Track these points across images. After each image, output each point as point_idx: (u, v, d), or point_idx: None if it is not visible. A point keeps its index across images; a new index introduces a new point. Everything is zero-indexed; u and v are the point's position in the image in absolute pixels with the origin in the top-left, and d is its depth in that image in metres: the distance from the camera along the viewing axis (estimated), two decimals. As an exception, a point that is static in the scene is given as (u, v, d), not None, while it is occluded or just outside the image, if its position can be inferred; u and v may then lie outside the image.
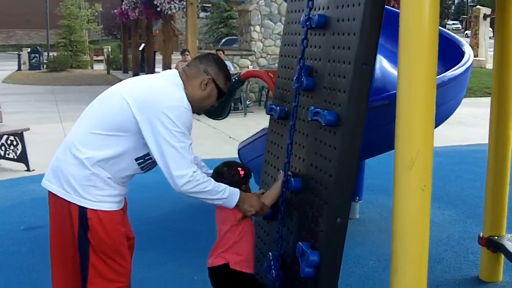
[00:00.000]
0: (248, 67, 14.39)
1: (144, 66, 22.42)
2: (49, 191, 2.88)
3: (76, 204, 2.78)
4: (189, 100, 2.83)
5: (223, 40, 30.07)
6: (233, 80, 4.67)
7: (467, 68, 4.61)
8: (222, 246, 3.04)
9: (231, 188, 2.92)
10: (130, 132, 2.76)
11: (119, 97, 2.79)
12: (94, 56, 33.42)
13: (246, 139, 5.65)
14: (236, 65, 14.34)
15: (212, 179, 2.86)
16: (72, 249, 2.86)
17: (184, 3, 15.05)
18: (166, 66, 17.03)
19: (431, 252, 2.75)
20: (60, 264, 2.95)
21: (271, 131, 3.65)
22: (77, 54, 30.77)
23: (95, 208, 2.77)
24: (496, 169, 4.28)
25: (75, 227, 2.80)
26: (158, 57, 25.09)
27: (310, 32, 3.13)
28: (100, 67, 30.46)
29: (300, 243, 2.92)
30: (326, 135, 2.88)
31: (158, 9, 15.71)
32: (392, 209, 2.71)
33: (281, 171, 3.18)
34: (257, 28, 14.58)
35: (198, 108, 2.96)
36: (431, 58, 2.58)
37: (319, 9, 3.15)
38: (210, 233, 5.17)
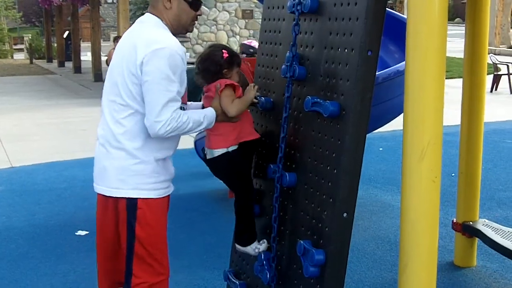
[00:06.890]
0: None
1: (70, 54, 21.61)
2: (98, 194, 2.80)
3: (124, 198, 2.68)
4: (168, 26, 2.73)
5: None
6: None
7: None
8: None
9: (207, 113, 2.80)
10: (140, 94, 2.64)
11: (119, 67, 2.67)
12: (13, 45, 31.96)
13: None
14: (171, 52, 13.99)
15: (190, 117, 2.68)
16: (119, 246, 2.79)
17: (114, -12, 14.60)
18: (96, 53, 16.49)
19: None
20: (108, 261, 2.88)
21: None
22: (-5, 43, 29.37)
23: (146, 196, 2.68)
24: (468, 154, 4.26)
25: (123, 222, 2.70)
26: (83, 44, 24.27)
27: (300, 17, 2.96)
28: (20, 57, 29.07)
29: (300, 241, 2.77)
30: (327, 127, 2.72)
31: (86, -6, 15.19)
32: (401, 202, 2.61)
33: (252, 85, 3.07)
34: (191, 14, 14.26)
35: (182, 28, 2.81)
36: (440, 45, 2.48)
37: (309, -7, 2.97)
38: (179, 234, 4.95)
